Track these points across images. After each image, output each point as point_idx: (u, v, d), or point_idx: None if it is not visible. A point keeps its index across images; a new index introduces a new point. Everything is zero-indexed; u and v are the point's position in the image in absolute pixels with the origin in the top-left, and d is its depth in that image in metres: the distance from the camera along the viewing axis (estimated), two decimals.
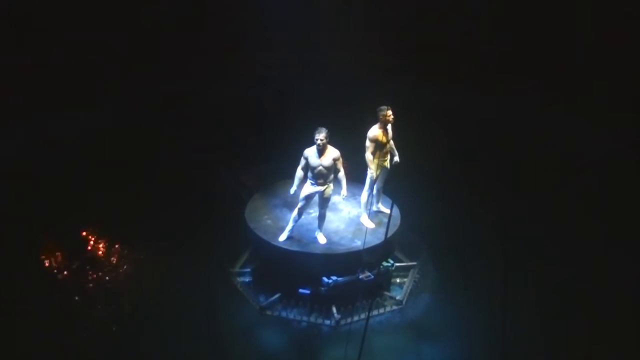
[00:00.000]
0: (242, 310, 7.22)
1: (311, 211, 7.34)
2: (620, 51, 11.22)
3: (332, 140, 6.62)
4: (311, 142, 6.62)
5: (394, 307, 7.33)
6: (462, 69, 12.86)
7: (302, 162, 6.76)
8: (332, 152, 6.62)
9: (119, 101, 12.44)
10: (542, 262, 7.94)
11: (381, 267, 7.19)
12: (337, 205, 7.80)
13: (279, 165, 8.71)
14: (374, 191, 7.46)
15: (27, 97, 10.75)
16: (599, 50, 11.54)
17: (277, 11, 13.43)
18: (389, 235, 6.58)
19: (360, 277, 6.93)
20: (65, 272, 7.81)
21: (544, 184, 10.08)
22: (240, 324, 7.01)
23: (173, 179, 10.12)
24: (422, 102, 12.17)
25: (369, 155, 6.94)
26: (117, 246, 8.42)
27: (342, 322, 6.95)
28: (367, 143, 6.91)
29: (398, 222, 7.46)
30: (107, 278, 7.72)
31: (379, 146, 6.92)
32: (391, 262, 7.48)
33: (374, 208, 7.71)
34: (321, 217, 7.05)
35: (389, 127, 7.01)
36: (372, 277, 6.94)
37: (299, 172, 6.86)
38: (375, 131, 6.88)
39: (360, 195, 7.44)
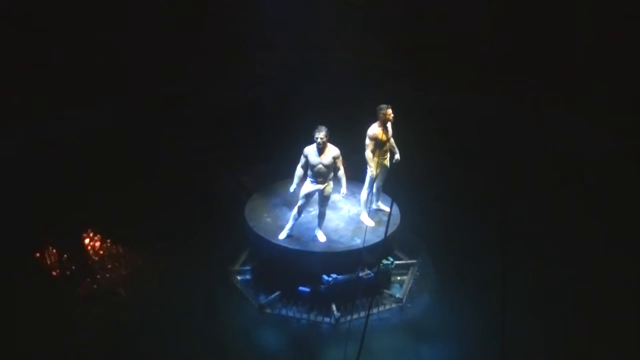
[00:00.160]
0: (242, 309, 7.22)
1: (311, 209, 7.34)
2: (620, 51, 11.23)
3: (331, 139, 6.63)
4: (311, 142, 6.63)
5: (394, 305, 7.33)
6: (462, 69, 12.86)
7: (302, 160, 6.77)
8: (332, 151, 6.63)
9: (119, 101, 12.45)
10: (542, 262, 7.94)
11: (381, 265, 7.19)
12: (337, 203, 7.80)
13: (279, 165, 8.72)
14: (374, 189, 7.46)
15: (27, 97, 10.76)
16: (599, 50, 11.54)
17: (277, 11, 13.44)
18: (388, 233, 6.58)
19: (360, 275, 6.93)
20: (65, 272, 7.81)
21: (544, 184, 10.09)
22: (240, 322, 7.02)
23: (173, 179, 10.13)
24: (422, 102, 12.16)
25: (368, 154, 6.94)
26: (117, 246, 8.43)
27: (342, 320, 6.95)
28: (367, 141, 6.91)
29: (398, 220, 7.46)
30: (107, 278, 7.72)
31: (379, 144, 6.92)
32: (391, 260, 7.49)
33: (374, 206, 7.71)
34: (321, 216, 7.05)
35: (389, 125, 7.02)
36: (372, 275, 6.94)
37: (299, 170, 6.86)
38: (375, 129, 6.88)
39: (360, 193, 7.44)
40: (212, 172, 10.57)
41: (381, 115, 6.87)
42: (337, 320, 6.96)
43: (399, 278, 7.89)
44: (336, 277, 6.91)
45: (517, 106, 12.15)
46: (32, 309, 6.85)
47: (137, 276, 7.78)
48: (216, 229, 8.44)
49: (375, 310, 7.11)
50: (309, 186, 6.82)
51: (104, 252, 8.32)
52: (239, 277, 7.79)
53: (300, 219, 7.11)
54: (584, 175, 10.32)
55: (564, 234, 8.65)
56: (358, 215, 7.58)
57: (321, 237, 7.05)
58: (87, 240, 8.56)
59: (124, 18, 12.39)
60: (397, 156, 7.34)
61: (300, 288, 7.09)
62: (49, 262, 8.00)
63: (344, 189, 6.85)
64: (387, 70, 13.37)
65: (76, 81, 11.45)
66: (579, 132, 11.50)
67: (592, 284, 7.45)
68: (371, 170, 7.03)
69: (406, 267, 8.07)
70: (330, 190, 6.88)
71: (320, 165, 6.63)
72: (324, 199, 6.89)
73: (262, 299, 7.28)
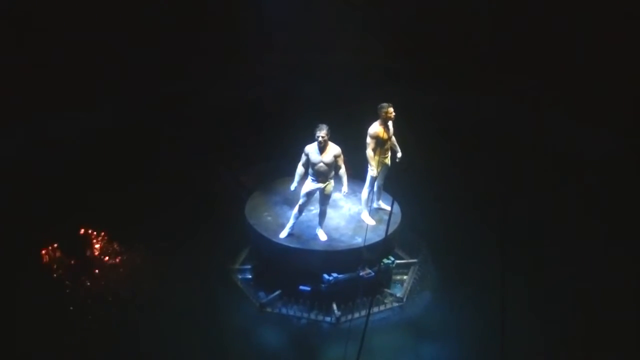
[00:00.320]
0: (242, 308, 7.23)
1: (312, 208, 7.34)
2: (620, 51, 11.23)
3: (331, 138, 6.61)
4: (311, 141, 6.63)
5: (395, 305, 7.33)
6: (462, 69, 12.87)
7: (303, 158, 6.76)
8: (333, 149, 6.62)
9: (119, 101, 12.44)
10: (542, 262, 7.94)
11: (382, 264, 7.19)
12: (337, 202, 7.80)
13: (279, 164, 8.72)
14: (375, 188, 7.45)
15: (27, 97, 10.75)
16: (599, 50, 11.55)
17: (277, 11, 13.44)
18: (389, 232, 6.58)
19: (361, 274, 6.93)
20: (65, 272, 7.80)
21: (544, 184, 10.09)
22: (241, 322, 7.03)
23: (173, 179, 10.11)
24: (422, 102, 12.16)
25: (369, 152, 6.94)
26: (117, 246, 8.42)
27: (343, 319, 6.95)
28: (368, 140, 6.91)
29: (399, 219, 7.46)
30: (107, 278, 7.72)
31: (380, 143, 6.92)
32: (392, 259, 7.49)
33: (375, 205, 7.70)
34: (322, 214, 7.05)
35: (390, 124, 7.02)
36: (373, 274, 6.94)
37: (300, 169, 6.86)
38: (376, 128, 6.89)
39: (360, 192, 7.45)
40: (212, 172, 10.57)
41: (382, 114, 6.87)
42: (338, 319, 6.96)
43: (399, 277, 7.89)
44: (337, 276, 6.91)
45: (517, 106, 12.15)
46: (32, 308, 6.84)
47: (137, 276, 7.76)
48: (216, 229, 8.44)
49: (375, 310, 7.10)
50: (310, 185, 6.81)
51: (104, 252, 8.31)
52: (239, 276, 7.79)
53: (301, 217, 7.10)
54: (584, 175, 10.33)
55: (564, 234, 8.65)
56: (359, 214, 7.58)
57: (322, 235, 7.05)
58: (87, 240, 8.55)
59: (124, 18, 12.38)
60: (399, 154, 7.34)
61: (301, 287, 7.09)
62: (49, 262, 7.99)
63: (345, 187, 6.85)
64: (387, 70, 13.37)
65: (76, 81, 11.44)
66: (579, 132, 11.51)
67: (592, 284, 7.45)
68: (372, 169, 7.03)
69: (407, 266, 8.06)
70: (331, 189, 6.88)
71: (321, 164, 6.62)
72: (324, 198, 6.88)
73: (263, 298, 7.28)
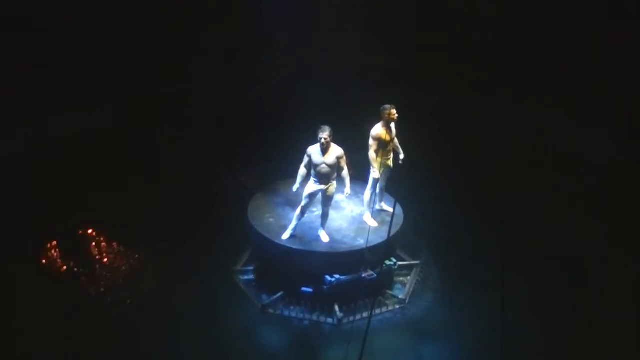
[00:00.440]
0: (244, 309, 7.20)
1: (314, 209, 7.34)
2: (620, 51, 11.24)
3: (332, 139, 6.60)
4: (311, 142, 6.61)
5: (397, 306, 7.33)
6: (462, 69, 12.88)
7: (305, 159, 6.73)
8: (335, 151, 6.60)
9: (119, 101, 12.43)
10: (542, 262, 7.95)
11: (384, 265, 7.19)
12: (340, 203, 7.79)
13: (279, 165, 8.71)
14: (377, 190, 7.44)
15: (27, 97, 10.74)
16: (599, 50, 11.56)
17: (277, 11, 13.44)
18: (392, 234, 6.57)
19: (363, 275, 6.91)
20: (65, 272, 7.79)
21: (544, 184, 10.10)
22: (242, 323, 6.99)
23: (173, 179, 10.10)
24: (422, 102, 12.17)
25: (372, 154, 6.92)
26: (117, 246, 8.40)
27: (345, 320, 6.94)
28: (371, 141, 6.89)
29: (401, 220, 7.45)
30: (107, 278, 7.70)
31: (382, 144, 6.91)
32: (394, 261, 7.48)
33: (377, 207, 7.69)
34: (324, 216, 7.04)
35: (392, 125, 7.01)
36: (375, 275, 6.93)
37: (302, 170, 6.83)
38: (378, 129, 6.88)
39: (363, 193, 7.45)
40: (212, 172, 10.56)
41: (385, 115, 6.86)
42: (340, 320, 6.95)
43: (401, 279, 7.89)
44: (339, 278, 6.89)
45: (517, 106, 12.16)
46: (32, 309, 6.82)
47: (137, 276, 7.75)
48: (216, 229, 8.43)
49: (378, 311, 7.09)
50: (312, 186, 6.79)
51: (104, 252, 8.29)
52: (241, 277, 7.78)
53: (303, 219, 7.09)
54: (584, 175, 10.34)
55: (564, 234, 8.66)
56: (361, 215, 7.57)
57: (324, 237, 7.04)
58: (87, 240, 8.54)
59: (124, 18, 12.37)
60: (402, 156, 7.33)
61: (303, 288, 7.08)
62: (49, 262, 7.97)
63: (347, 189, 6.83)
64: (387, 70, 13.37)
65: (76, 81, 11.43)
66: (579, 132, 11.52)
67: (592, 284, 7.46)
68: (374, 171, 7.01)
69: (409, 267, 8.06)
70: (334, 191, 6.86)
71: (324, 165, 6.60)
72: (327, 199, 6.87)
73: (265, 299, 7.26)
